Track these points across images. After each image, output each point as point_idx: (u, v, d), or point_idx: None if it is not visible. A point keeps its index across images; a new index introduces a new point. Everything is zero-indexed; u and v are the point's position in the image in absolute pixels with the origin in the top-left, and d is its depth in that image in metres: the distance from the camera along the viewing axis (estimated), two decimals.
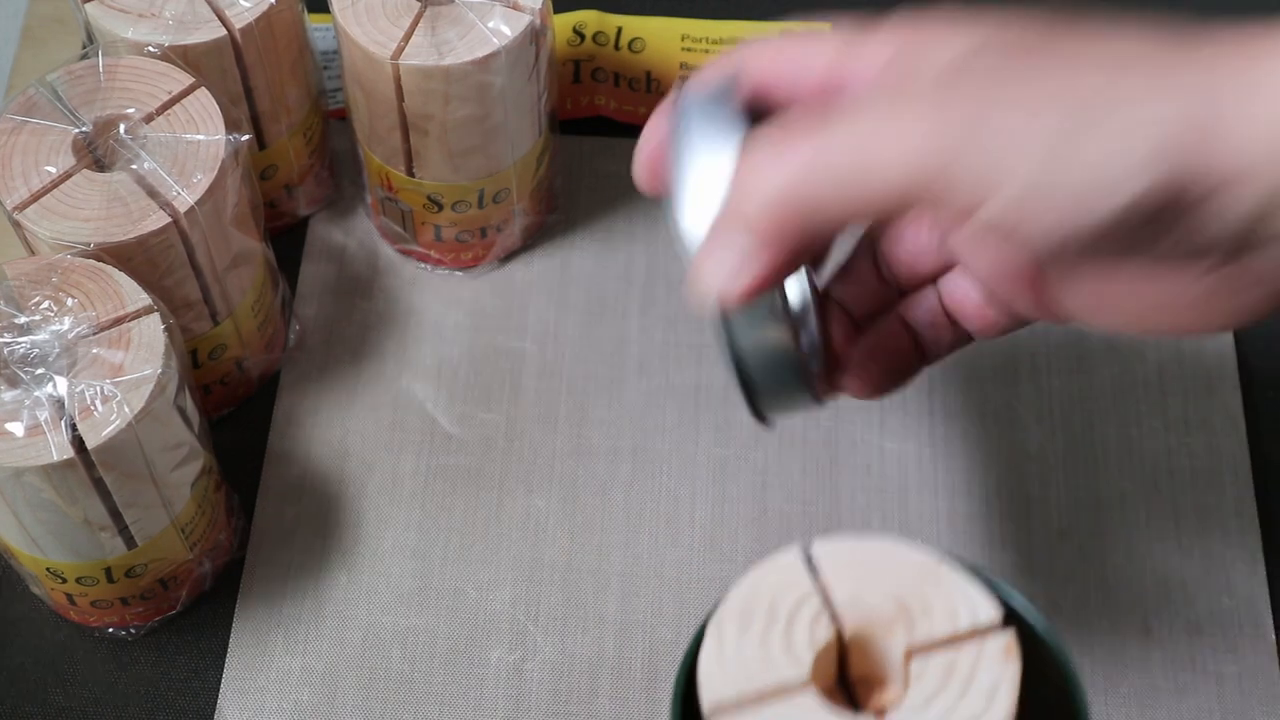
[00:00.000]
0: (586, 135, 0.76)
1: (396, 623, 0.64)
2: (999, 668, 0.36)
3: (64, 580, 0.59)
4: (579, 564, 0.65)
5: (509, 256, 0.72)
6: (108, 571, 0.59)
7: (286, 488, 0.66)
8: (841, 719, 0.36)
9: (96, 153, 0.60)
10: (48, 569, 0.59)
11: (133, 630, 0.63)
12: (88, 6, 0.63)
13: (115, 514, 0.56)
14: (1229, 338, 0.69)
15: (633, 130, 0.76)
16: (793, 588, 0.38)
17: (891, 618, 0.37)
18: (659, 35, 0.78)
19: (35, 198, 0.58)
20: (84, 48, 0.67)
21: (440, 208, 0.69)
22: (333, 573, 0.65)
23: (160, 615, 0.63)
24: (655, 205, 0.74)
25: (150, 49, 0.61)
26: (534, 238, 0.73)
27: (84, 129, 0.60)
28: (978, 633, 0.37)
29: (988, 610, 0.37)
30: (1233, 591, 0.63)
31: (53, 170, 0.58)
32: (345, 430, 0.68)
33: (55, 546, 0.57)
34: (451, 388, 0.69)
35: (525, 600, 0.64)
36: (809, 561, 0.39)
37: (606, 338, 0.70)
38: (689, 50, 0.78)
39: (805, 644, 0.37)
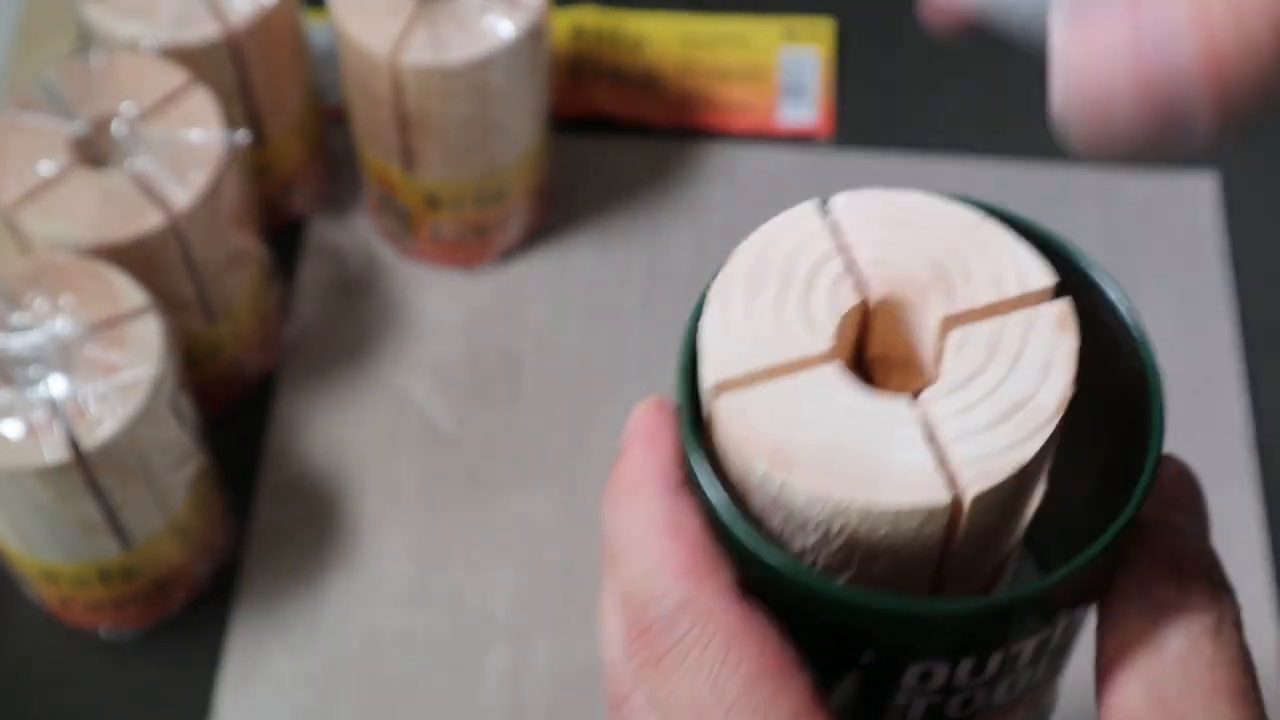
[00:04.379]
0: (586, 134, 0.75)
1: (395, 625, 0.63)
2: (1053, 341, 0.31)
3: (59, 582, 0.59)
4: (578, 565, 0.64)
5: (508, 256, 0.72)
6: (103, 573, 0.58)
7: (284, 489, 0.66)
8: (870, 395, 0.30)
9: (92, 151, 0.60)
10: (42, 571, 0.58)
11: (128, 633, 0.63)
12: (84, 4, 0.62)
13: (110, 515, 0.56)
14: (1232, 340, 0.69)
15: (633, 130, 0.76)
16: (811, 246, 0.32)
17: (926, 283, 0.31)
18: (659, 33, 0.78)
19: (30, 196, 0.57)
20: (79, 45, 0.67)
21: (439, 206, 0.68)
22: (330, 574, 0.64)
23: (156, 617, 0.62)
24: (655, 205, 0.74)
25: (146, 46, 0.61)
26: (533, 237, 0.72)
27: (79, 127, 0.59)
28: (1027, 300, 0.31)
29: (1039, 275, 0.31)
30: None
31: (48, 169, 0.58)
32: (343, 431, 0.67)
33: (50, 548, 0.57)
34: (450, 388, 0.69)
35: (524, 602, 0.64)
36: (828, 217, 0.33)
37: (606, 338, 0.70)
38: (690, 48, 0.77)
39: (826, 311, 0.31)
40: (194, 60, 0.61)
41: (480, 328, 0.70)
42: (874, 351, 0.32)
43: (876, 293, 0.32)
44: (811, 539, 0.30)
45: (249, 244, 0.63)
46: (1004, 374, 0.30)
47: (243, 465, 0.66)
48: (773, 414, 0.30)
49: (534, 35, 0.63)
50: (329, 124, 0.73)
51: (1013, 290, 0.31)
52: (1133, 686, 0.31)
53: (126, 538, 0.57)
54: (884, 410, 0.30)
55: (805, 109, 0.76)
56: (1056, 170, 0.74)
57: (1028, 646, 0.32)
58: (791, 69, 0.77)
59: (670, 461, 0.33)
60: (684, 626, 0.31)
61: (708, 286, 0.33)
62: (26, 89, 0.60)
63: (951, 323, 0.31)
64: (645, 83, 0.76)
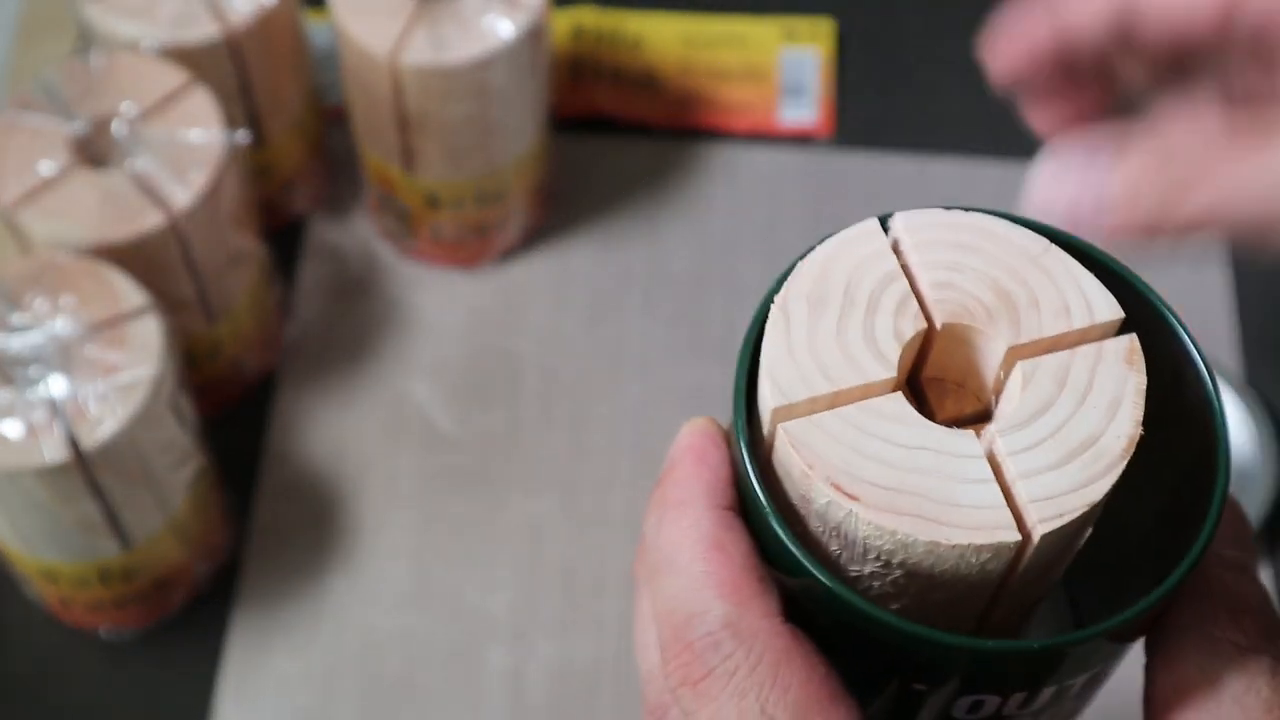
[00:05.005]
0: (586, 135, 0.75)
1: (394, 625, 0.63)
2: (1122, 377, 0.30)
3: (59, 582, 0.59)
4: (578, 565, 0.64)
5: (508, 256, 0.72)
6: (103, 573, 0.58)
7: (284, 489, 0.66)
8: (935, 428, 0.30)
9: (92, 151, 0.59)
10: (42, 571, 0.58)
11: (128, 633, 0.63)
12: (84, 4, 0.62)
13: (110, 515, 0.56)
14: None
15: (633, 130, 0.76)
16: (873, 266, 0.31)
17: (991, 310, 0.31)
18: (659, 33, 0.78)
19: (30, 196, 0.57)
20: (79, 45, 0.67)
21: (439, 206, 0.68)
22: (330, 574, 0.64)
23: (156, 618, 0.62)
24: (655, 205, 0.74)
25: (146, 46, 0.61)
26: (533, 237, 0.72)
27: (79, 127, 0.59)
28: (1095, 333, 0.31)
29: (1106, 307, 0.31)
30: None
31: (48, 169, 0.58)
32: (343, 431, 0.67)
33: (50, 548, 0.57)
34: (450, 388, 0.69)
35: (524, 602, 0.64)
36: (889, 235, 0.32)
37: (606, 338, 0.70)
38: (690, 48, 0.77)
39: (889, 337, 0.30)
40: (194, 60, 0.61)
41: (480, 328, 0.70)
42: (929, 372, 0.32)
43: (940, 318, 0.31)
44: (869, 568, 0.30)
45: (249, 244, 0.63)
46: (1071, 411, 0.30)
47: (243, 465, 0.66)
48: (837, 442, 0.30)
49: (534, 35, 0.63)
50: (329, 124, 0.73)
51: (1080, 321, 0.31)
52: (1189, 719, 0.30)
53: (126, 538, 0.57)
54: (950, 444, 0.30)
55: (805, 109, 0.76)
56: None
57: (1080, 680, 0.32)
58: (791, 69, 0.77)
59: (720, 480, 0.32)
60: (729, 647, 0.30)
61: (764, 305, 0.32)
62: (26, 89, 0.60)
63: (1017, 354, 0.31)
64: (645, 83, 0.76)
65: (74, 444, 0.52)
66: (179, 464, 0.57)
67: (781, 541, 0.30)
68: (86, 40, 0.64)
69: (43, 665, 0.62)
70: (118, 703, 0.62)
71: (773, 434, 0.30)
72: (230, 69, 0.63)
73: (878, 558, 0.29)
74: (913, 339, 0.31)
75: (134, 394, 0.53)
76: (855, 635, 0.30)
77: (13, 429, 0.52)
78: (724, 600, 0.30)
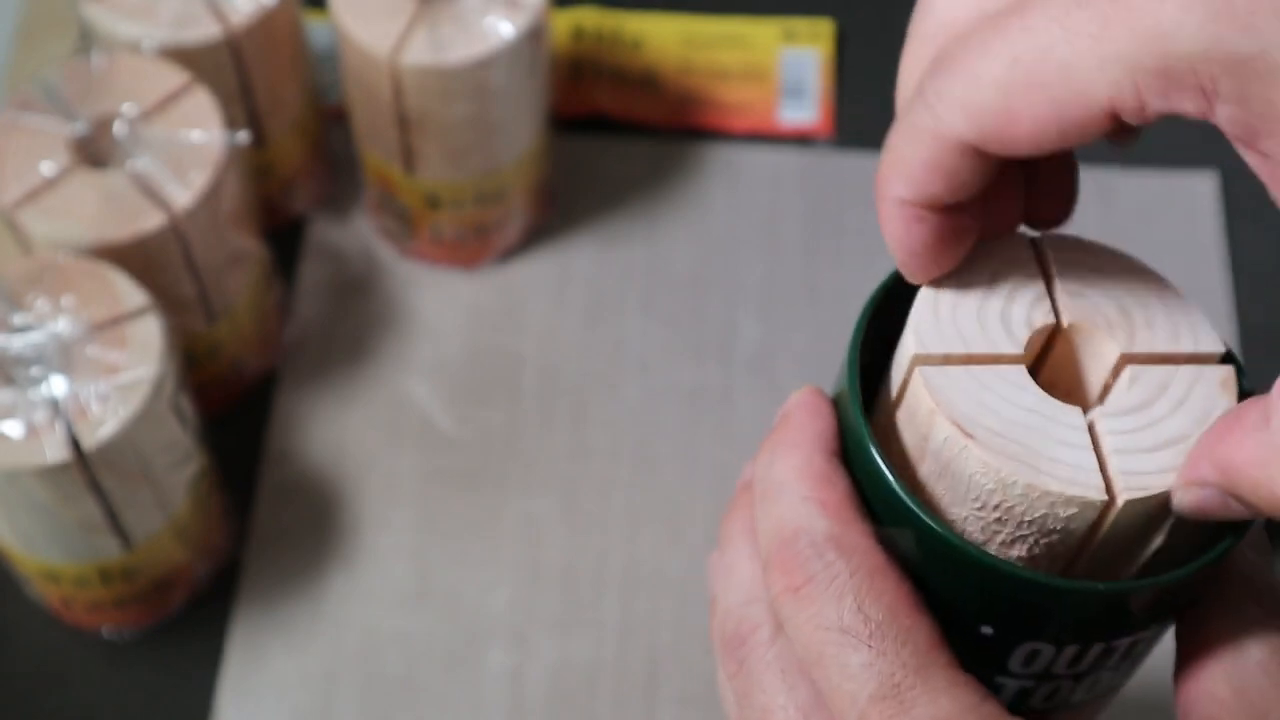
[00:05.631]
0: (586, 135, 0.75)
1: (394, 625, 0.63)
2: (1215, 396, 0.35)
3: (60, 582, 0.59)
4: (578, 566, 0.64)
5: (508, 256, 0.72)
6: (103, 573, 0.58)
7: (284, 489, 0.66)
8: (1049, 399, 0.34)
9: (92, 151, 0.60)
10: (43, 571, 0.58)
11: (129, 633, 0.63)
12: (85, 4, 0.62)
13: (111, 516, 0.56)
14: None
15: (633, 130, 0.76)
16: (1017, 267, 0.36)
17: (1112, 321, 0.35)
18: (659, 33, 0.78)
19: (31, 197, 0.58)
20: (79, 45, 0.67)
21: (439, 206, 0.68)
22: (330, 574, 0.64)
23: (157, 618, 0.63)
24: (655, 205, 0.74)
25: (147, 46, 0.61)
26: (533, 237, 0.72)
27: (80, 127, 0.59)
28: (1197, 359, 0.35)
29: (1210, 340, 0.35)
30: None
31: (48, 169, 0.58)
32: (343, 431, 0.67)
33: (50, 548, 0.57)
34: (450, 388, 0.69)
35: (524, 602, 0.64)
36: (1035, 248, 0.37)
37: (606, 338, 0.70)
38: (690, 48, 0.77)
39: (1023, 323, 0.35)
40: (194, 60, 0.61)
41: (480, 328, 0.70)
42: (1044, 376, 0.36)
43: (1068, 319, 0.35)
44: (965, 510, 0.34)
45: (249, 244, 0.63)
46: (1167, 413, 0.34)
47: (243, 465, 0.66)
48: (963, 391, 0.34)
49: (534, 35, 0.63)
50: (329, 124, 0.73)
51: (1186, 347, 0.35)
52: (1217, 677, 0.34)
53: (127, 538, 0.57)
54: (1060, 414, 0.34)
55: (805, 109, 0.76)
56: None
57: (1122, 645, 0.35)
58: (791, 69, 0.77)
59: (829, 431, 0.36)
60: (831, 556, 0.34)
61: (881, 286, 0.36)
62: (27, 89, 0.60)
63: (1128, 360, 0.35)
64: (645, 83, 0.76)
65: (75, 444, 0.52)
66: (179, 464, 0.57)
67: (886, 481, 0.34)
68: (87, 40, 0.64)
69: (43, 665, 0.62)
70: (118, 703, 0.62)
71: (906, 380, 0.34)
72: (230, 69, 0.63)
73: (977, 498, 0.33)
74: (1041, 329, 0.35)
75: (134, 394, 0.53)
76: (937, 576, 0.34)
77: (13, 429, 0.52)
78: (828, 519, 0.34)
